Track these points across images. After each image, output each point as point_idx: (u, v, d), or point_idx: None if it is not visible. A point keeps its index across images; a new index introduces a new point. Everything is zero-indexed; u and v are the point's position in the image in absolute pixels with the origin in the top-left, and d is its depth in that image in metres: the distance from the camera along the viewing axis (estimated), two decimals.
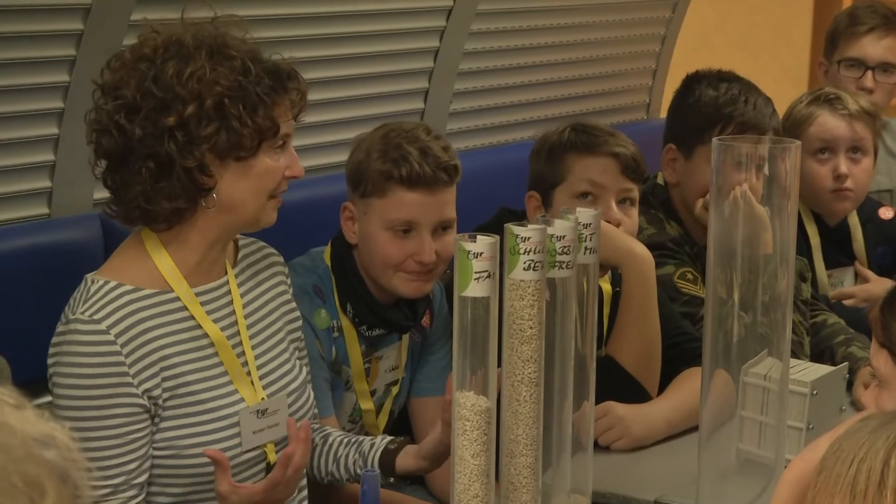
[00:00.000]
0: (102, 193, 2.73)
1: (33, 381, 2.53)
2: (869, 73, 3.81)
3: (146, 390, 2.10)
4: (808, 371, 2.46)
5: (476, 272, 1.83)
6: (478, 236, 1.85)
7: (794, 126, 3.29)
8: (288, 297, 2.34)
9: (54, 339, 2.12)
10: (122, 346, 2.08)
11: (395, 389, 2.62)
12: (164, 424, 2.13)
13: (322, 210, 2.74)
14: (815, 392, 2.41)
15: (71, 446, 1.06)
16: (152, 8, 2.72)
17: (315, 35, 3.17)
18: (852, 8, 3.93)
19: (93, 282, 2.13)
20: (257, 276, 2.29)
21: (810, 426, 2.39)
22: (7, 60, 2.55)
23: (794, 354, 2.55)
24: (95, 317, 2.08)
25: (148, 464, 2.12)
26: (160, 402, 2.11)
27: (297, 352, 2.34)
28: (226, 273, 2.23)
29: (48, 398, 2.63)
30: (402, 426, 2.67)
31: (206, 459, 2.11)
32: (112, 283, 2.12)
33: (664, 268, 2.89)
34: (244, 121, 2.10)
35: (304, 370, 2.33)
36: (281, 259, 2.37)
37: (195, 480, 2.15)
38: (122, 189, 2.14)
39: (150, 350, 2.10)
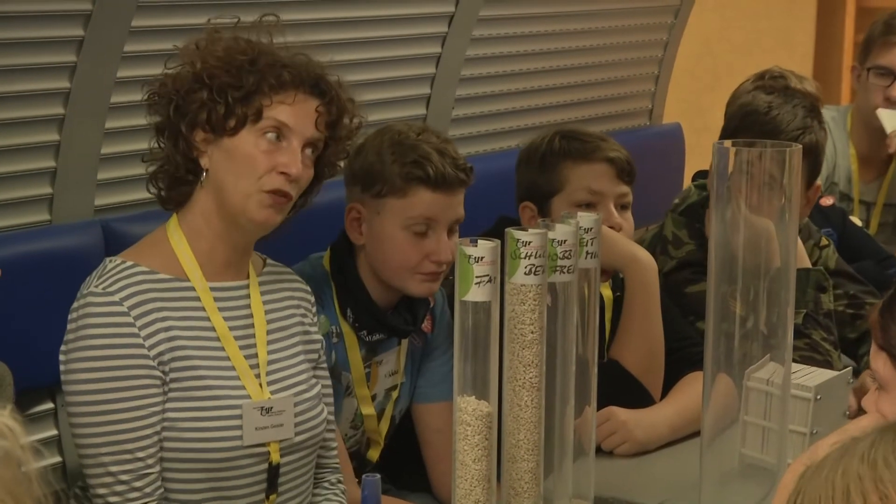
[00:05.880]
0: (103, 200, 2.75)
1: (34, 388, 2.54)
2: None
3: (160, 363, 2.11)
4: (812, 375, 2.45)
5: (477, 276, 1.84)
6: (479, 241, 1.85)
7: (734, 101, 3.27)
8: (310, 327, 2.33)
9: (70, 317, 2.14)
10: (136, 318, 2.10)
11: (394, 394, 2.61)
12: (168, 404, 2.13)
13: (321, 217, 2.73)
14: (818, 397, 2.40)
15: (13, 427, 1.05)
16: (153, 15, 2.72)
17: (315, 42, 3.17)
18: (889, 16, 3.91)
19: (110, 261, 2.17)
20: (279, 293, 2.30)
21: (814, 431, 2.39)
22: (8, 66, 2.55)
23: None
24: (109, 290, 2.11)
25: (159, 438, 2.12)
26: (167, 378, 2.12)
27: (313, 370, 2.33)
28: (248, 277, 2.25)
29: (49, 405, 2.64)
30: (402, 432, 2.66)
31: (205, 445, 2.12)
32: (128, 263, 2.16)
33: (699, 284, 2.87)
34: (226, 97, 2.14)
35: (320, 385, 2.32)
36: (309, 292, 2.37)
37: (192, 466, 2.14)
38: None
39: (159, 328, 2.12)
